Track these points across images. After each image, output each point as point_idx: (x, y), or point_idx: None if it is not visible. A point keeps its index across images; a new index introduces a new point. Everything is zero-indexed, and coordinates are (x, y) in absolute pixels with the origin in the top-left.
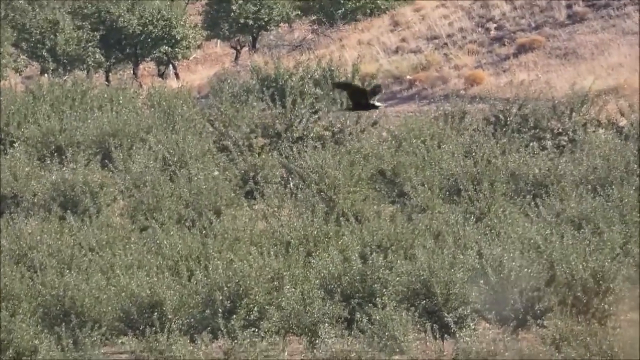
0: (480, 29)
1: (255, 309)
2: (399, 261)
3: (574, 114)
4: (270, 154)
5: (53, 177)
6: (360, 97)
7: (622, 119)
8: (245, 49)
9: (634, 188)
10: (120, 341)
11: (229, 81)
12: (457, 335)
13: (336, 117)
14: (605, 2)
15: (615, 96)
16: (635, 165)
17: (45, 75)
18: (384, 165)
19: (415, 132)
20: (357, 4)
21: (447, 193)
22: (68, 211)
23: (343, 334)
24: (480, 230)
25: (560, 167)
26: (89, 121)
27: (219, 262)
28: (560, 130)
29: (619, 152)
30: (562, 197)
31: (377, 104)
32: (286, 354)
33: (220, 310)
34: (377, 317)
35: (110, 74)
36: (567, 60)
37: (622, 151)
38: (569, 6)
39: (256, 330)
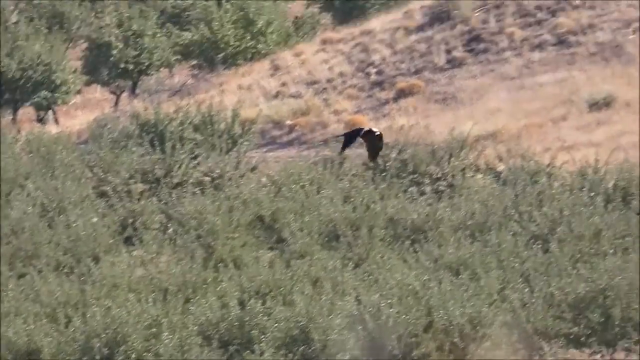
0: (360, 74)
1: (133, 356)
2: (277, 307)
3: (452, 158)
4: (149, 200)
5: None
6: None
7: (500, 164)
8: (125, 94)
9: (511, 233)
10: None
11: (108, 126)
12: None
13: (215, 162)
14: (484, 47)
15: (493, 141)
16: (513, 211)
17: None
18: (263, 211)
19: (295, 177)
20: (238, 48)
21: (326, 239)
22: None
23: None
24: (359, 276)
25: (438, 212)
26: None
27: (96, 309)
28: (439, 175)
29: (497, 198)
30: (441, 242)
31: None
32: None
33: (97, 357)
34: None
35: None
36: (447, 105)
37: (500, 196)
38: (448, 51)
39: None
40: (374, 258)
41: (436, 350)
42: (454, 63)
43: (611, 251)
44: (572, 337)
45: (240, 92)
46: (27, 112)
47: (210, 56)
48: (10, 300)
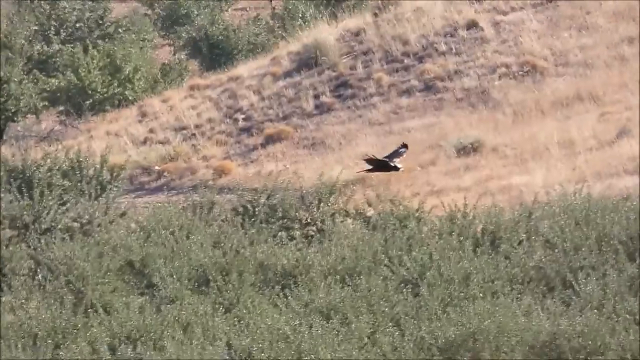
0: (228, 120)
1: None
2: (148, 352)
3: (322, 203)
4: (18, 246)
5: None
6: (384, 166)
7: (370, 209)
8: None
9: (381, 278)
10: None
11: None
12: None
13: (84, 208)
14: (351, 93)
15: (362, 186)
16: (383, 255)
17: None
18: (133, 256)
19: (164, 222)
20: (105, 95)
21: (196, 284)
22: None
23: None
24: (230, 320)
25: (308, 257)
26: None
27: None
28: (308, 220)
29: (366, 242)
30: (311, 287)
31: (399, 165)
32: None
33: None
34: None
35: None
36: (315, 151)
37: (370, 241)
38: (316, 97)
39: None
40: (245, 303)
41: None
42: (322, 109)
43: (480, 295)
44: None
45: (109, 138)
46: None
47: (78, 102)
48: None
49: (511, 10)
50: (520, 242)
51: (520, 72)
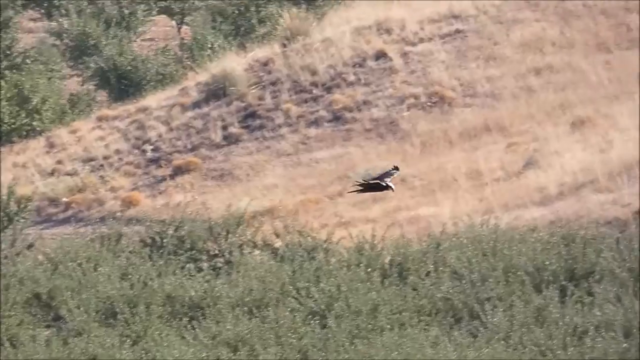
0: (136, 151)
1: None
2: None
3: (230, 235)
4: None
5: None
6: (375, 186)
7: (278, 240)
8: None
9: (289, 309)
10: None
11: None
12: None
13: None
14: (260, 123)
15: (270, 217)
16: (291, 287)
17: None
18: (40, 288)
19: (72, 254)
20: (12, 126)
21: (104, 316)
22: None
23: None
24: (137, 353)
25: (216, 288)
26: None
27: None
28: (216, 251)
29: (274, 274)
30: (219, 319)
31: (390, 184)
32: None
33: None
34: None
35: None
36: (223, 182)
37: (278, 272)
38: (224, 127)
39: None
40: (152, 335)
41: None
42: (230, 139)
43: (388, 326)
44: None
45: (16, 170)
46: None
47: None
48: None
49: (420, 41)
50: (428, 274)
51: (428, 103)
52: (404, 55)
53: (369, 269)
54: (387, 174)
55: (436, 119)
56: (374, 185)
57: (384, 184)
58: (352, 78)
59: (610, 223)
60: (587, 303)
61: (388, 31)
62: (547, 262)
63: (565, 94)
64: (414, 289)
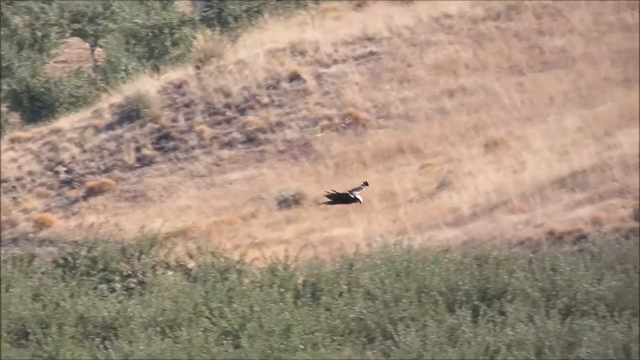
0: (49, 172)
1: None
2: None
3: (143, 256)
4: None
5: None
6: (344, 198)
7: (191, 261)
8: None
9: (202, 329)
10: None
11: None
12: None
13: None
14: (173, 145)
15: (183, 238)
16: (204, 307)
17: None
18: None
19: None
20: None
21: (15, 337)
22: None
23: None
24: None
25: (129, 309)
26: None
27: None
28: (129, 272)
29: (187, 294)
30: (131, 339)
31: (358, 197)
32: None
33: None
34: None
35: None
36: (137, 203)
37: (191, 293)
38: (138, 149)
39: None
40: (64, 355)
41: None
42: (143, 161)
43: (301, 346)
44: None
45: None
46: None
47: None
48: None
49: (333, 62)
50: (341, 294)
51: (342, 124)
52: (318, 76)
53: (282, 290)
54: (357, 189)
55: (350, 140)
56: (343, 197)
57: (353, 196)
58: (265, 100)
59: (523, 243)
60: (499, 322)
61: (302, 53)
62: (460, 283)
63: (478, 116)
64: (327, 309)
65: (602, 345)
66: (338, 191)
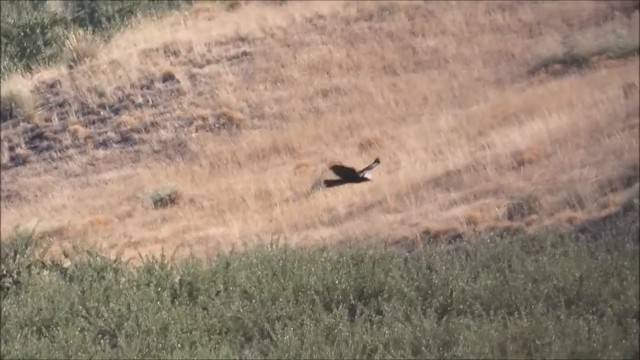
0: None
1: None
2: None
3: (18, 255)
4: None
5: None
6: (353, 176)
7: (67, 261)
8: None
9: (79, 329)
10: None
11: None
12: None
13: None
14: (47, 145)
15: (59, 238)
16: (80, 306)
17: None
18: None
19: None
20: None
21: None
22: None
23: None
24: None
25: (4, 309)
26: None
27: None
28: (4, 272)
29: (63, 294)
30: (7, 339)
31: (368, 176)
32: None
33: None
34: None
35: None
36: (11, 203)
37: (67, 292)
38: (11, 149)
39: None
40: None
41: None
42: (17, 161)
43: (179, 345)
44: None
45: None
46: None
47: None
48: None
49: (207, 63)
50: (218, 293)
51: (216, 124)
52: (192, 77)
53: (159, 289)
54: (368, 168)
55: (224, 140)
56: (352, 176)
57: (361, 175)
58: (140, 100)
59: (399, 242)
60: (376, 321)
61: (175, 53)
62: (337, 282)
63: (352, 116)
64: (204, 308)
65: (478, 344)
66: (345, 165)
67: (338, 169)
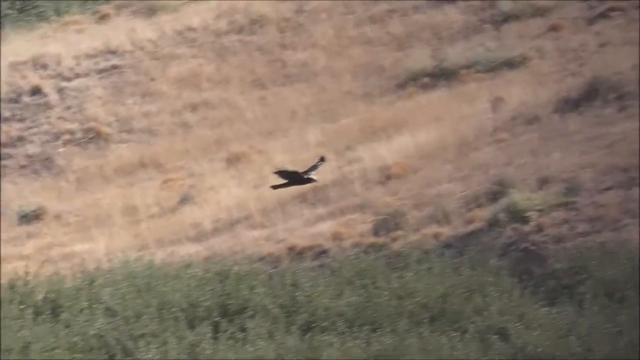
0: None
1: None
2: None
3: None
4: None
5: None
6: (298, 179)
7: None
8: None
9: None
10: None
11: None
12: None
13: None
14: None
15: None
16: None
17: None
18: None
19: None
20: None
21: None
22: None
23: None
24: None
25: None
26: None
27: None
28: None
29: None
30: None
31: (313, 177)
32: None
33: None
34: None
35: None
36: None
37: None
38: None
39: None
40: None
41: None
42: None
43: None
44: None
45: None
46: None
47: None
48: None
49: (76, 76)
50: (81, 310)
51: (84, 139)
52: (60, 90)
53: (22, 306)
54: (312, 168)
55: (92, 155)
56: (296, 178)
57: (306, 177)
58: (7, 114)
59: (264, 259)
60: (240, 339)
61: (44, 66)
62: (201, 298)
63: (221, 130)
64: (67, 326)
65: None
66: (289, 169)
67: (282, 173)
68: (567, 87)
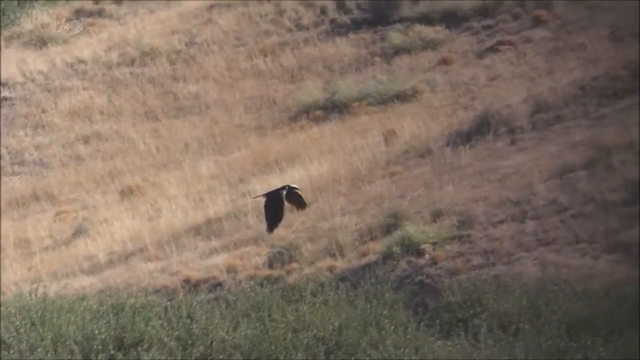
0: None
1: None
2: None
3: None
4: None
5: None
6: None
7: None
8: None
9: None
10: None
11: None
12: None
13: None
14: None
15: None
16: None
17: None
18: None
19: None
20: None
21: None
22: None
23: None
24: None
25: None
26: None
27: None
28: None
29: None
30: None
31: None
32: None
33: None
34: None
35: None
36: None
37: None
38: None
39: None
40: None
41: None
42: None
43: None
44: None
45: None
46: None
47: None
48: None
49: None
50: None
51: None
52: None
53: None
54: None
55: None
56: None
57: (287, 185)
58: None
59: (159, 291)
60: None
61: None
62: (97, 331)
63: (114, 163)
64: None
65: None
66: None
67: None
68: (459, 121)
